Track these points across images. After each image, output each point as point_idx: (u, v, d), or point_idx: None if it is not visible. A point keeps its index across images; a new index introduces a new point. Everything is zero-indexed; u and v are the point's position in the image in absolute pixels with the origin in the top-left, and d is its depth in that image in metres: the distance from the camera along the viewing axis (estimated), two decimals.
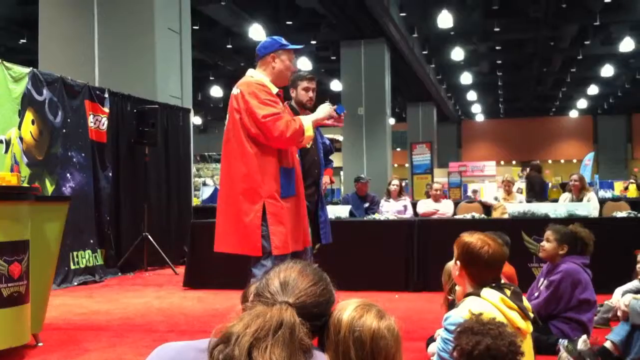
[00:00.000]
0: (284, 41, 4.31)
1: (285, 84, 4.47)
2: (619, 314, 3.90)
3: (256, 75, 4.26)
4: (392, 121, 22.50)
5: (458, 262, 2.89)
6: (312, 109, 5.22)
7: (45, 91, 8.04)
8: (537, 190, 13.08)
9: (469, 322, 2.33)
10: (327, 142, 5.36)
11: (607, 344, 3.88)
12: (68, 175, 8.38)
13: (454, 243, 2.95)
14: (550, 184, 23.90)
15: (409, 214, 9.60)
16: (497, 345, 2.20)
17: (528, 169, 13.51)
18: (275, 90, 4.23)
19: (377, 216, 8.33)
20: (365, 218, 8.58)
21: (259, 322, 1.58)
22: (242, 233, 4.05)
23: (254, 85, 4.11)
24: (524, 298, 2.86)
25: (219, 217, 4.23)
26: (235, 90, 4.16)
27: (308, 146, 4.62)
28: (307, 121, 4.18)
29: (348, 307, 1.83)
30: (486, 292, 2.74)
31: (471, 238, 2.86)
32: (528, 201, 11.18)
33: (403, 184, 10.96)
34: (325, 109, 4.31)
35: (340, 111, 4.38)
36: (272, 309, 1.63)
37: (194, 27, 13.94)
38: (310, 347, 1.66)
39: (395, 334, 1.82)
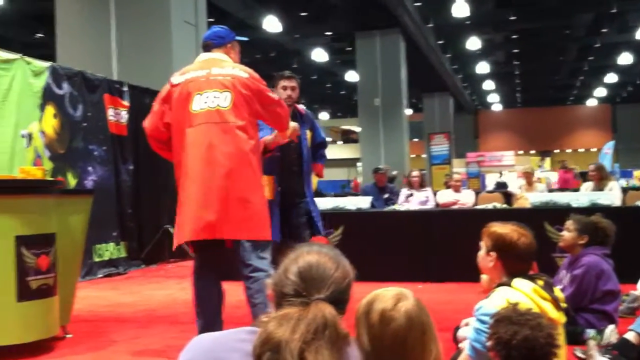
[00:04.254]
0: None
1: None
2: None
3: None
4: (408, 112, 22.42)
5: (492, 253, 2.86)
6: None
7: (65, 85, 8.11)
8: None
9: (506, 311, 2.29)
10: (322, 136, 5.44)
11: (630, 335, 3.83)
12: (90, 168, 8.44)
13: (484, 233, 2.92)
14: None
15: (431, 204, 9.58)
16: (535, 336, 2.18)
17: None
18: None
19: (397, 207, 8.31)
20: (385, 209, 8.57)
21: (303, 326, 1.57)
22: (255, 217, 3.97)
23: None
24: (556, 288, 2.84)
25: (220, 202, 3.83)
26: (241, 73, 3.96)
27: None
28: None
29: (382, 297, 1.80)
30: (518, 282, 2.72)
31: (506, 230, 2.83)
32: None
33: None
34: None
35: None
36: (311, 309, 1.61)
37: (209, 20, 13.92)
38: (349, 337, 1.67)
39: (426, 324, 1.79)
